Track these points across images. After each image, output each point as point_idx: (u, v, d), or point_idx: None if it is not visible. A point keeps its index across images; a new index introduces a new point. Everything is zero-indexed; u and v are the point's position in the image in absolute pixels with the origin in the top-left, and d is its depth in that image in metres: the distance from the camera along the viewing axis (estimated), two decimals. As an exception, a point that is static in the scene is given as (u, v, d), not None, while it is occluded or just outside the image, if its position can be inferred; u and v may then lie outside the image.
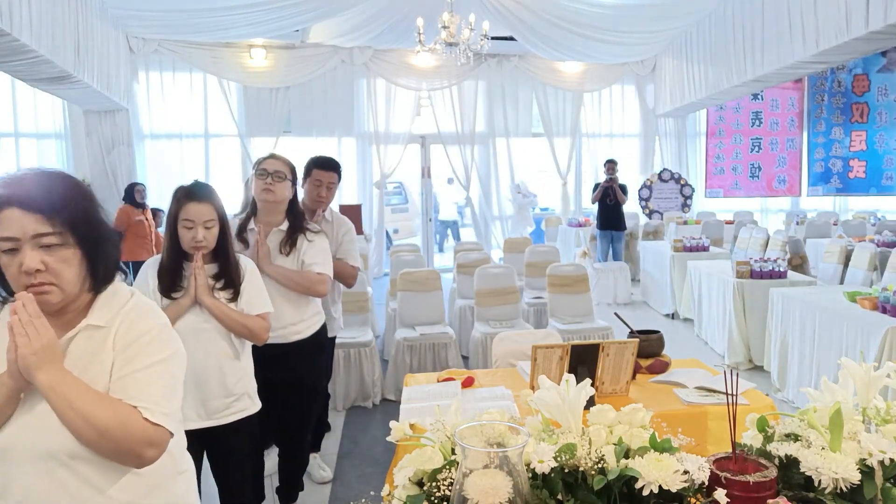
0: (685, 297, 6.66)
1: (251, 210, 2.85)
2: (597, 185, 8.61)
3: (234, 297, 2.22)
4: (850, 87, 11.18)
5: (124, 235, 6.84)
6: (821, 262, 6.91)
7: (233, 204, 3.12)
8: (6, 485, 1.25)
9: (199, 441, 2.18)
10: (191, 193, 2.18)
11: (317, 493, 3.33)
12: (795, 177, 11.33)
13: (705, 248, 7.17)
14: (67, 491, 1.25)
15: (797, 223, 9.52)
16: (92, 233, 1.29)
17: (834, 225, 9.14)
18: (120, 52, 7.89)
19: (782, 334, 4.55)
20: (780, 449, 1.24)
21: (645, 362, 2.82)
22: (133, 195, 7.09)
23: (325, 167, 3.26)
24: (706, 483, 1.15)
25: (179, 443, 1.48)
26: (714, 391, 2.49)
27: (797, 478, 1.21)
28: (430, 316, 4.86)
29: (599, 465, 1.15)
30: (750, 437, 1.33)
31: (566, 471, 1.16)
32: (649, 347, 2.90)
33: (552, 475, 1.15)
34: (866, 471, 1.17)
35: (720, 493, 1.11)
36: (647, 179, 10.50)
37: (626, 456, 1.19)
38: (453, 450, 1.19)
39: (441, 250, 12.80)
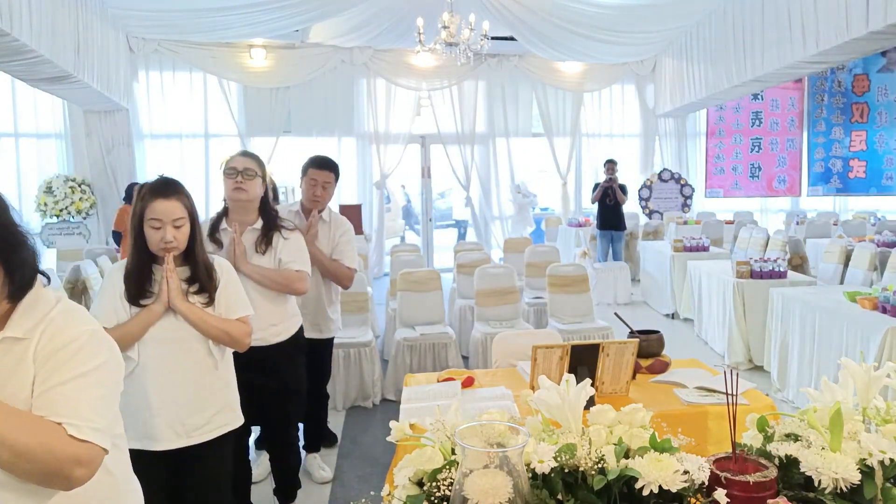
0: (685, 297, 6.66)
1: (222, 210, 2.78)
2: (596, 185, 8.61)
3: (210, 302, 2.06)
4: (850, 87, 11.18)
5: (124, 236, 6.84)
6: (821, 262, 6.91)
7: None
8: None
9: (174, 461, 2.04)
10: (157, 190, 1.99)
11: (317, 493, 3.33)
12: (795, 177, 11.33)
13: (705, 248, 7.17)
14: None
15: (797, 223, 9.51)
16: (7, 237, 1.19)
17: (834, 225, 9.14)
18: (120, 52, 7.89)
19: (782, 334, 4.55)
20: (780, 449, 1.24)
21: (645, 362, 2.82)
22: (133, 195, 7.09)
23: (321, 166, 3.25)
24: (706, 483, 1.15)
25: (121, 460, 1.38)
26: (714, 391, 2.49)
27: (797, 478, 1.21)
28: (430, 316, 4.86)
29: (599, 465, 1.15)
30: (750, 437, 1.33)
31: (566, 471, 1.16)
32: (649, 347, 2.90)
33: (552, 475, 1.15)
34: (866, 471, 1.17)
35: (720, 493, 1.11)
36: (647, 179, 10.50)
37: (626, 456, 1.19)
38: (453, 450, 1.19)
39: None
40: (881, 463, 1.17)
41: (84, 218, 8.38)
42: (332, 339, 3.48)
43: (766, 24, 6.73)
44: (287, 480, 3.00)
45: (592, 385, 1.30)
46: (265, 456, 3.27)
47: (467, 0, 7.05)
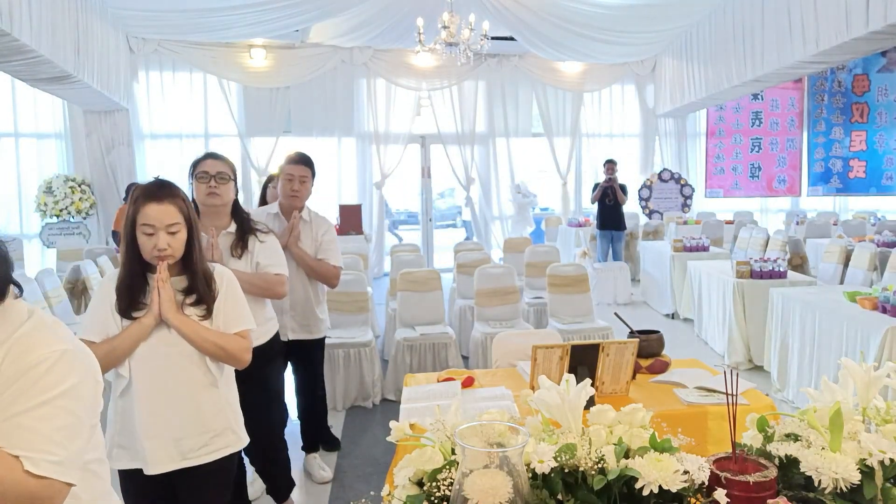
0: (685, 297, 6.66)
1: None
2: (596, 185, 8.61)
3: (208, 314, 1.91)
4: (850, 87, 11.18)
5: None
6: (821, 262, 6.92)
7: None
8: None
9: (170, 484, 1.92)
10: (150, 193, 1.84)
11: (317, 493, 3.33)
12: (795, 177, 11.33)
13: (705, 248, 7.17)
14: None
15: (797, 223, 9.52)
16: None
17: (834, 225, 9.14)
18: (120, 52, 7.89)
19: (782, 334, 4.55)
20: (780, 449, 1.24)
21: (645, 362, 2.82)
22: (133, 195, 7.09)
23: (296, 161, 3.17)
24: (706, 483, 1.15)
25: (95, 486, 1.29)
26: (714, 391, 2.49)
27: (797, 478, 1.21)
28: (430, 316, 4.86)
29: (599, 465, 1.15)
30: (750, 437, 1.33)
31: (566, 471, 1.16)
32: (649, 347, 2.90)
33: (552, 475, 1.15)
34: (866, 471, 1.17)
35: (720, 493, 1.11)
36: (647, 179, 10.50)
37: (626, 456, 1.19)
38: (453, 450, 1.19)
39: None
40: (881, 463, 1.17)
41: (84, 218, 8.38)
42: (322, 338, 3.43)
43: (766, 24, 6.73)
44: (278, 481, 2.97)
45: (592, 385, 1.30)
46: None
47: (467, 0, 7.05)
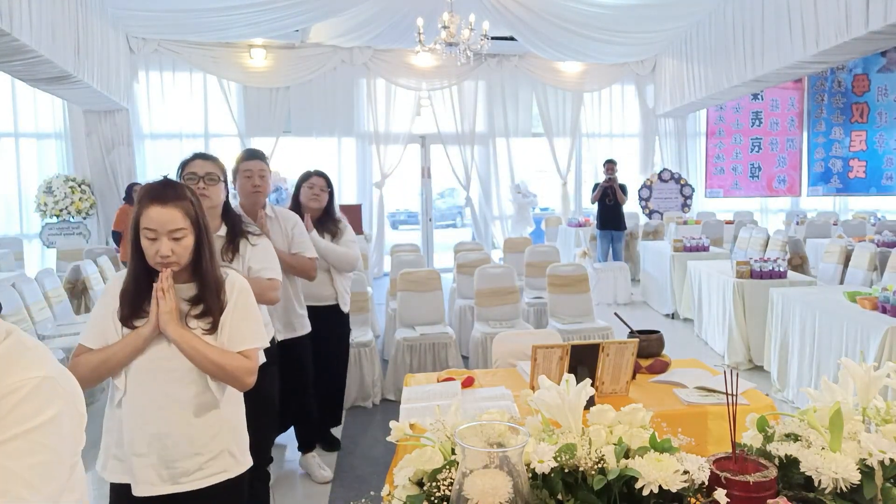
0: (685, 297, 6.66)
1: None
2: (596, 185, 8.61)
3: (213, 328, 1.75)
4: (850, 87, 11.19)
5: (124, 236, 6.84)
6: (821, 262, 6.92)
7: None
8: None
9: None
10: (154, 194, 1.70)
11: (317, 493, 3.33)
12: (795, 177, 11.34)
13: (705, 248, 7.17)
14: None
15: (797, 223, 9.52)
16: None
17: (834, 225, 9.14)
18: (120, 52, 7.89)
19: (782, 334, 4.55)
20: (780, 449, 1.24)
21: (645, 362, 2.82)
22: (133, 195, 7.09)
23: (251, 157, 3.07)
24: (706, 483, 1.15)
25: None
26: (714, 391, 2.49)
27: (797, 478, 1.21)
28: (430, 316, 4.86)
29: (599, 465, 1.15)
30: (750, 437, 1.33)
31: (566, 471, 1.16)
32: (649, 347, 2.90)
33: (552, 475, 1.15)
34: (866, 471, 1.17)
35: (720, 493, 1.11)
36: (647, 179, 10.50)
37: (626, 456, 1.19)
38: (453, 450, 1.19)
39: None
40: (881, 463, 1.17)
41: (84, 218, 8.38)
42: (307, 335, 3.35)
43: (766, 24, 6.73)
44: (259, 489, 2.79)
45: (592, 385, 1.30)
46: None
47: (467, 0, 7.05)
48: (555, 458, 1.15)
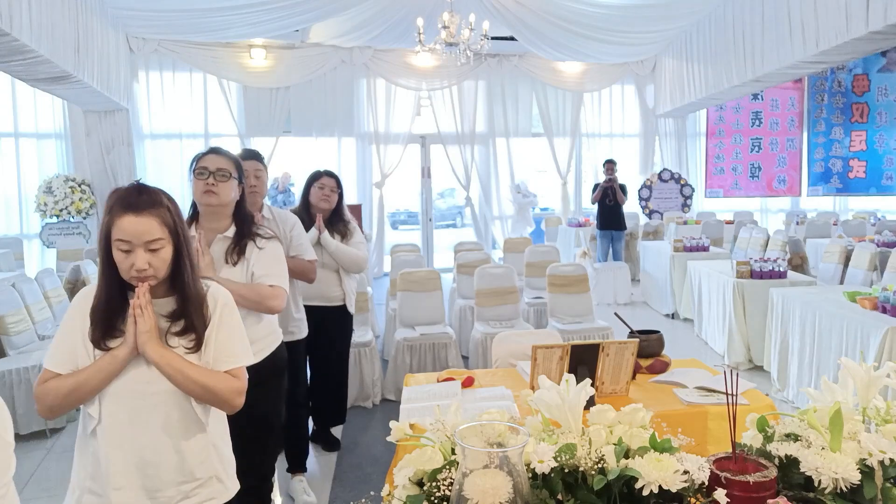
0: (685, 297, 6.66)
1: (191, 214, 2.43)
2: (596, 185, 8.62)
3: (197, 346, 1.60)
4: (850, 87, 11.19)
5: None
6: (821, 262, 6.92)
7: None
8: None
9: None
10: (126, 202, 1.54)
11: (317, 494, 3.33)
12: (795, 177, 11.34)
13: (705, 248, 7.17)
14: None
15: (797, 223, 9.52)
16: None
17: (834, 225, 9.15)
18: (120, 52, 7.89)
19: (782, 334, 4.55)
20: (780, 449, 1.24)
21: (645, 362, 2.82)
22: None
23: (245, 158, 2.97)
24: (706, 483, 1.15)
25: None
26: (714, 391, 2.49)
27: (797, 478, 1.21)
28: (430, 316, 4.86)
29: (599, 465, 1.15)
30: (750, 437, 1.33)
31: (566, 471, 1.16)
32: (649, 347, 2.90)
33: (552, 475, 1.15)
34: (866, 471, 1.17)
35: (720, 493, 1.11)
36: (647, 179, 10.50)
37: (626, 456, 1.19)
38: (453, 450, 1.19)
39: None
40: (881, 463, 1.17)
41: (84, 218, 8.38)
42: (303, 339, 3.25)
43: (766, 25, 6.73)
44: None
45: (592, 385, 1.30)
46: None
47: (467, 0, 7.06)
48: (555, 458, 1.15)
